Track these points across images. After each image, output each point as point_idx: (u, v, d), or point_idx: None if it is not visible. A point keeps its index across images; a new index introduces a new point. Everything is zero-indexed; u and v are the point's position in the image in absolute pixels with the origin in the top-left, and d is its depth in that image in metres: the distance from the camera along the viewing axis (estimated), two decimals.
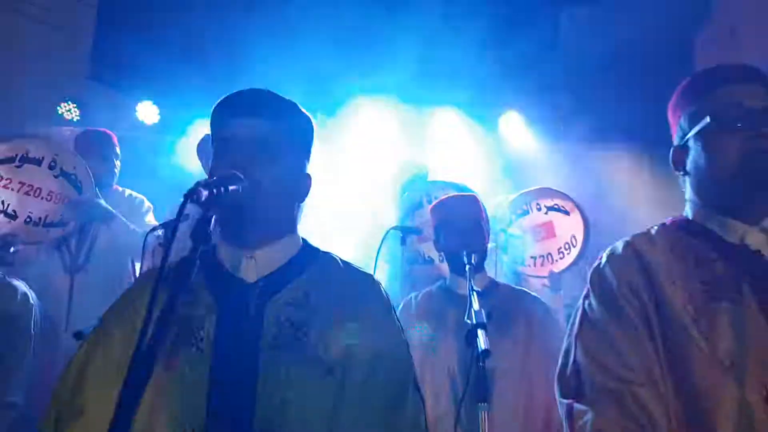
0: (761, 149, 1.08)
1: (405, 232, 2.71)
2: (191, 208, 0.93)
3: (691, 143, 1.20)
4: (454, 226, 2.10)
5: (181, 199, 0.94)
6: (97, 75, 7.62)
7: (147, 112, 5.70)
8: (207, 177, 1.10)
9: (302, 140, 1.28)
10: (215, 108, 1.22)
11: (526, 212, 3.35)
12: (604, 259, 1.20)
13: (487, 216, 2.23)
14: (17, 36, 5.96)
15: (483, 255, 2.11)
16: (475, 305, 1.55)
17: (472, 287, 1.67)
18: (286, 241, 1.25)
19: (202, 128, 5.12)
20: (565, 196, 3.23)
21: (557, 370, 1.14)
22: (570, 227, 3.16)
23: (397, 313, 1.29)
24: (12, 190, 2.69)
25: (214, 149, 1.20)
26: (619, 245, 1.21)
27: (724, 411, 1.01)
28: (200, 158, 3.02)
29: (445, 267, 2.26)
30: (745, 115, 1.11)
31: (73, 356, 1.16)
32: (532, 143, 5.16)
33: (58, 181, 2.82)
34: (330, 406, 1.08)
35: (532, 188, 3.42)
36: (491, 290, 2.08)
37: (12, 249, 2.53)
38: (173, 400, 1.05)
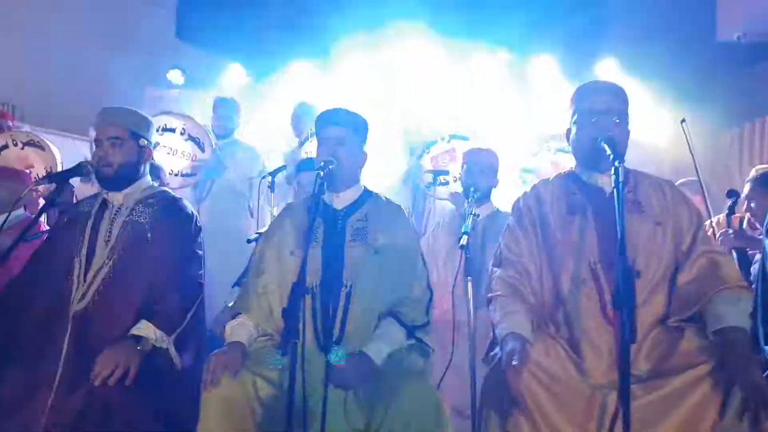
0: (600, 133, 1.95)
1: (437, 174, 3.81)
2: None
3: (571, 128, 2.12)
4: (476, 173, 3.15)
5: (319, 174, 2.02)
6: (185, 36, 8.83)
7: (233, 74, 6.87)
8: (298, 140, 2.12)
9: (362, 134, 2.30)
10: (318, 118, 2.27)
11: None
12: (521, 195, 2.20)
13: (496, 164, 3.23)
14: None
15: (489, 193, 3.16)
16: (468, 221, 2.61)
17: (470, 211, 2.74)
18: (355, 188, 2.29)
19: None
20: None
21: (494, 254, 2.20)
22: None
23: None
24: (159, 152, 3.92)
25: (318, 143, 2.26)
26: (530, 188, 2.19)
27: (566, 273, 1.95)
28: (294, 125, 4.13)
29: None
30: (594, 113, 2.01)
31: (256, 246, 2.34)
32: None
33: (187, 143, 4.02)
34: (376, 268, 2.16)
35: None
36: (493, 215, 3.14)
37: None
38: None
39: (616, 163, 1.78)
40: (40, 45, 7.91)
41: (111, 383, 1.94)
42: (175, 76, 7.08)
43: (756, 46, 5.49)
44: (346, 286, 2.15)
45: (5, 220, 2.62)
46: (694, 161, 3.41)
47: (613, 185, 1.93)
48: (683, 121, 3.49)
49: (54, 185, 2.32)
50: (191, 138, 4.01)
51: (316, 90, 6.23)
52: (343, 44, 6.21)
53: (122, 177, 2.31)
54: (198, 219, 2.42)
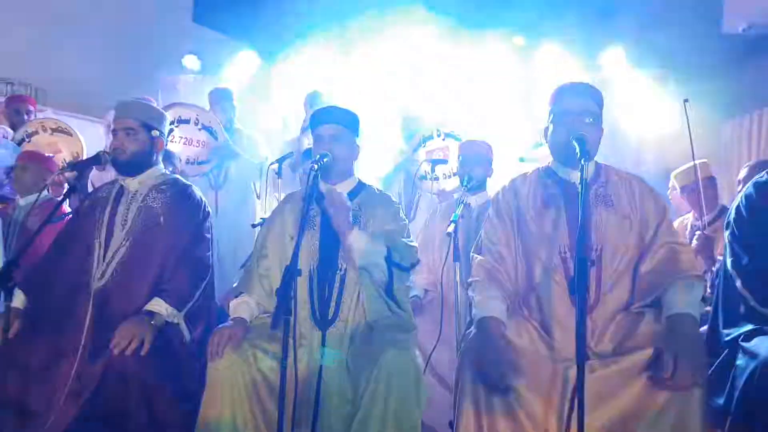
0: (573, 132, 2.08)
1: (435, 162, 3.98)
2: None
3: (548, 126, 2.26)
4: (470, 164, 3.30)
5: (313, 167, 2.21)
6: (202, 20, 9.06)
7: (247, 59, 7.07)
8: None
9: (354, 129, 2.48)
10: (313, 115, 2.46)
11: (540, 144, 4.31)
12: (500, 188, 2.36)
13: (490, 155, 3.38)
14: None
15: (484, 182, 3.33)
16: (458, 210, 2.78)
17: (462, 200, 2.91)
18: (349, 180, 2.48)
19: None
20: None
21: (475, 242, 2.37)
22: None
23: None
24: (176, 142, 4.13)
25: (314, 139, 2.45)
26: (508, 182, 2.35)
27: (539, 261, 2.12)
28: (305, 108, 4.31)
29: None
30: (569, 113, 2.15)
31: (260, 231, 2.54)
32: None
33: (201, 132, 4.23)
34: (369, 242, 2.31)
35: None
36: (487, 204, 3.30)
37: None
38: (302, 252, 2.38)
39: (582, 161, 1.95)
40: (61, 30, 8.18)
41: (128, 353, 2.16)
42: (190, 61, 7.30)
43: (760, 38, 5.56)
44: (340, 269, 2.36)
45: (36, 201, 2.86)
46: (691, 143, 3.41)
47: (585, 180, 2.13)
48: (686, 101, 3.47)
49: (75, 172, 2.54)
50: (204, 127, 4.22)
51: (328, 76, 6.45)
52: (355, 29, 6.38)
53: (136, 164, 2.51)
54: (206, 205, 2.63)
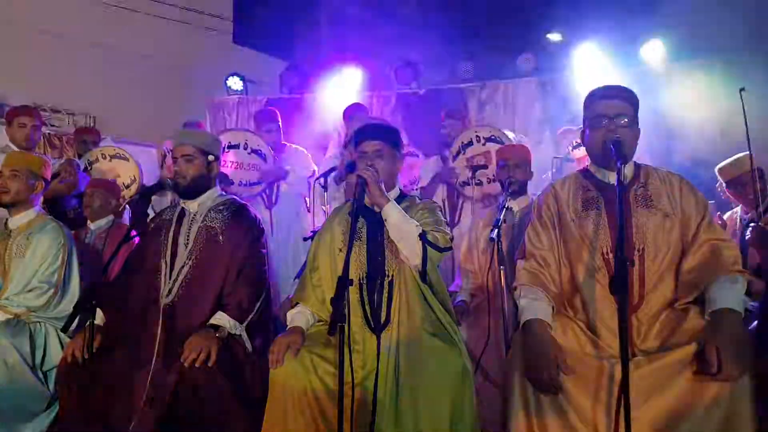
0: (609, 136, 2.16)
1: (476, 169, 4.05)
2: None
3: (585, 130, 2.32)
4: (506, 166, 3.38)
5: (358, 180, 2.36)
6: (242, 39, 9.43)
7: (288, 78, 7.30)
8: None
9: (397, 145, 2.61)
10: (357, 132, 2.61)
11: (579, 145, 4.27)
12: (541, 193, 2.44)
13: (529, 158, 3.43)
14: None
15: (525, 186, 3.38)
16: (500, 215, 2.86)
17: (504, 205, 2.97)
18: (392, 192, 2.59)
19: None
20: None
21: (519, 248, 2.44)
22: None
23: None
24: (228, 167, 4.35)
25: (359, 155, 2.57)
26: (548, 187, 2.42)
27: (582, 263, 2.18)
28: (347, 125, 4.48)
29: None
30: (604, 117, 2.21)
31: (312, 244, 2.68)
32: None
33: (250, 156, 4.44)
34: (402, 216, 2.42)
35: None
36: (529, 208, 3.37)
37: None
38: (352, 263, 2.50)
39: (619, 164, 2.02)
40: (114, 62, 8.65)
41: (198, 365, 2.33)
42: (234, 82, 7.57)
43: None
44: (388, 276, 2.48)
45: (109, 225, 3.05)
46: (747, 133, 3.31)
47: (623, 182, 2.19)
48: (742, 89, 3.34)
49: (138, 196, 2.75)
50: (253, 151, 4.43)
51: (361, 92, 6.64)
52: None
53: (195, 188, 2.70)
54: (261, 222, 2.79)
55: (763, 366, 1.94)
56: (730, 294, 1.96)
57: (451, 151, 4.45)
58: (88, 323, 2.25)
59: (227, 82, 7.54)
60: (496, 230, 2.69)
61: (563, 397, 1.99)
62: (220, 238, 2.66)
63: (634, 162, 2.35)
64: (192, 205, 2.74)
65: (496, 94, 7.03)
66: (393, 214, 2.43)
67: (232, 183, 4.28)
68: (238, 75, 7.61)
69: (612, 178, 2.29)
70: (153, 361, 2.48)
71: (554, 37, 7.57)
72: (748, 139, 3.36)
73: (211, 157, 2.71)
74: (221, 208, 2.74)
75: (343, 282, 1.98)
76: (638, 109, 2.35)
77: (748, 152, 3.59)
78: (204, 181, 2.71)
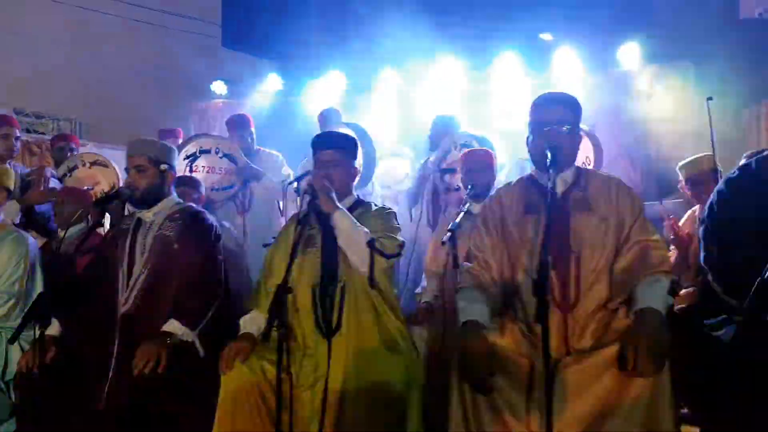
0: (550, 142, 2.20)
1: (444, 172, 4.08)
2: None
3: (529, 135, 2.35)
4: (471, 172, 3.43)
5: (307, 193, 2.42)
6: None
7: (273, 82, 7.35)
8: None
9: (353, 153, 2.68)
10: (314, 140, 2.66)
11: None
12: (486, 199, 2.51)
13: (495, 163, 3.52)
14: None
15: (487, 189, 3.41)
16: (458, 218, 2.91)
17: (465, 209, 3.03)
18: (347, 199, 2.64)
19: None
20: None
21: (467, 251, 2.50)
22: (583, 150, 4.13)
23: None
24: (199, 172, 4.40)
25: (314, 164, 2.64)
26: (495, 191, 2.50)
27: (521, 267, 2.23)
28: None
29: None
30: (545, 124, 2.26)
31: (267, 252, 2.73)
32: None
33: (222, 160, 4.48)
34: (352, 224, 2.47)
35: None
36: None
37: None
38: (306, 270, 2.57)
39: (551, 170, 2.07)
40: (100, 65, 8.70)
41: (146, 372, 2.38)
42: (218, 87, 7.59)
43: None
44: (341, 282, 2.53)
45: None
46: (712, 139, 3.51)
47: (563, 187, 2.30)
48: (710, 98, 3.56)
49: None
50: (225, 155, 4.47)
51: (346, 100, 6.67)
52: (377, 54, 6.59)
53: (148, 198, 2.74)
54: (217, 228, 2.84)
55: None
56: (651, 293, 2.02)
57: (437, 157, 4.43)
58: (39, 334, 2.28)
59: (211, 86, 7.57)
60: (450, 233, 2.75)
61: (498, 397, 2.04)
62: (175, 246, 2.71)
63: (576, 167, 2.40)
64: (147, 215, 2.78)
65: None
66: (342, 222, 2.49)
67: (204, 188, 4.31)
68: (222, 79, 7.64)
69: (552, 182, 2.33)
70: (111, 368, 2.53)
71: (546, 36, 7.59)
72: (713, 146, 3.50)
73: (163, 167, 2.74)
74: (176, 216, 2.78)
75: (282, 289, 2.03)
76: (580, 116, 2.40)
77: (709, 153, 3.66)
78: (157, 190, 2.75)
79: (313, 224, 2.60)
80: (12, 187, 3.24)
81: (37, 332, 2.41)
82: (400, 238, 2.59)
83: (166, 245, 2.71)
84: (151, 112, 8.03)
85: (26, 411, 2.53)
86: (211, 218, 2.87)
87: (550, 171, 2.09)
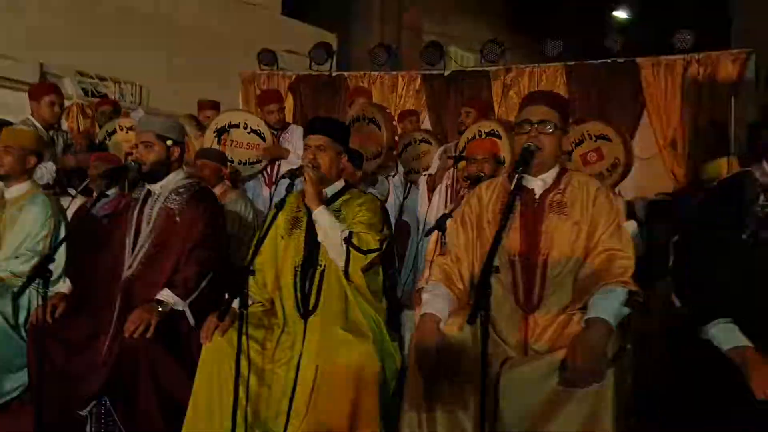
0: (528, 142, 2.21)
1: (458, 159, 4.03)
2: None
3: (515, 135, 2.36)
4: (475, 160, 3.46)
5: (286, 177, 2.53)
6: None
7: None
8: None
9: (342, 139, 2.73)
10: (306, 124, 2.76)
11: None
12: (467, 196, 2.53)
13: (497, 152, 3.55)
14: None
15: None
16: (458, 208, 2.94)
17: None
18: (336, 183, 2.73)
19: None
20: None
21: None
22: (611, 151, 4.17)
23: None
24: (228, 145, 4.58)
25: (303, 147, 2.73)
26: (476, 188, 2.49)
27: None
28: None
29: None
30: (528, 123, 2.26)
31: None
32: None
33: (250, 135, 4.65)
34: (331, 221, 2.57)
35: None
36: None
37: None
38: (290, 250, 2.68)
39: (518, 172, 2.10)
40: (163, 33, 9.04)
41: (136, 336, 2.56)
42: (267, 56, 7.71)
43: None
44: (321, 265, 2.63)
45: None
46: None
47: (541, 188, 2.33)
48: None
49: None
50: (253, 131, 4.63)
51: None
52: None
53: (156, 172, 2.90)
54: (218, 203, 2.98)
55: None
56: (604, 303, 2.02)
57: (458, 146, 4.44)
58: (43, 290, 2.50)
59: (259, 56, 7.72)
60: (435, 224, 2.80)
61: (450, 392, 2.10)
62: (177, 219, 2.86)
63: (560, 166, 2.38)
64: (154, 188, 2.95)
65: (522, 78, 7.00)
66: (321, 219, 2.59)
67: (232, 161, 4.49)
68: (268, 50, 7.78)
69: (531, 183, 2.34)
70: (111, 330, 2.73)
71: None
72: None
73: (169, 142, 2.89)
74: (182, 190, 2.93)
75: (245, 270, 2.16)
76: (567, 114, 2.38)
77: None
78: (163, 166, 2.91)
79: (301, 207, 2.70)
80: (42, 151, 3.47)
81: (41, 290, 2.61)
82: (383, 232, 2.65)
83: (169, 217, 2.87)
84: (208, 79, 8.30)
85: (34, 360, 2.76)
86: (214, 195, 3.01)
87: (518, 171, 2.10)
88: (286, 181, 2.57)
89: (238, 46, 8.97)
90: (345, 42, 11.17)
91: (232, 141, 4.60)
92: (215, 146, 4.46)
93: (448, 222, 2.85)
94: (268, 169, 4.82)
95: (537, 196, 2.31)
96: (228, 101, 6.41)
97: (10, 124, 4.09)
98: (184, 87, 8.19)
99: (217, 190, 3.76)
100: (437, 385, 2.10)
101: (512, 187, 2.07)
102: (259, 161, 4.69)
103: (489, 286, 1.84)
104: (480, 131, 4.22)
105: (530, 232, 2.26)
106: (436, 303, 2.25)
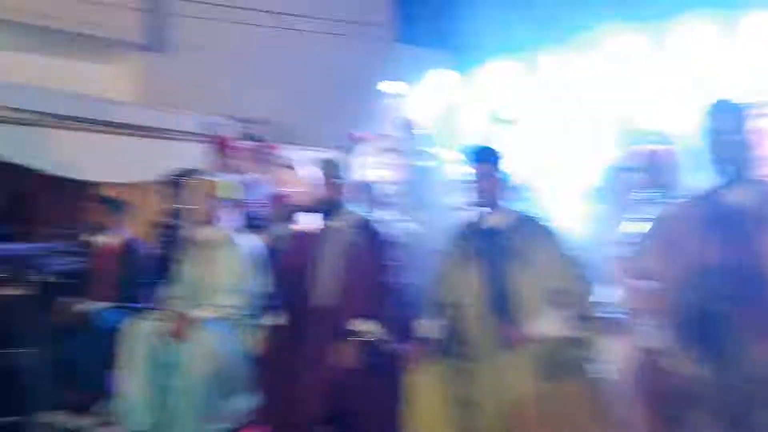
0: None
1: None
2: None
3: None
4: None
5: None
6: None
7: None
8: None
9: (498, 164, 2.77)
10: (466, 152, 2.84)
11: None
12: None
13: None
14: None
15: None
16: None
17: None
18: (503, 212, 2.74)
19: None
20: None
21: None
22: None
23: None
24: (375, 171, 4.82)
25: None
26: None
27: None
28: None
29: None
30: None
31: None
32: None
33: (395, 159, 4.90)
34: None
35: None
36: None
37: None
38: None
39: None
40: (289, 71, 9.54)
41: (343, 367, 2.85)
42: (390, 84, 7.87)
43: None
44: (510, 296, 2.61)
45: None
46: None
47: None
48: None
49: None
50: (398, 154, 4.90)
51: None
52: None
53: (327, 209, 3.21)
54: (389, 236, 3.21)
55: None
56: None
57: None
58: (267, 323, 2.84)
59: (383, 84, 7.92)
60: None
61: None
62: (354, 252, 3.10)
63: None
64: (332, 224, 3.22)
65: None
66: None
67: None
68: (397, 76, 7.96)
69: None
70: (319, 357, 2.98)
71: None
72: None
73: (337, 180, 3.19)
74: (355, 224, 3.17)
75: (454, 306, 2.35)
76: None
77: None
78: (333, 203, 3.20)
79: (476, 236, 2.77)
80: (238, 198, 3.76)
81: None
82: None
83: (350, 251, 3.11)
84: (329, 112, 8.64)
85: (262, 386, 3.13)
86: (385, 227, 3.27)
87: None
88: None
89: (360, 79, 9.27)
90: None
91: (379, 166, 4.88)
92: (363, 173, 4.70)
93: None
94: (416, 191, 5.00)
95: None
96: None
97: None
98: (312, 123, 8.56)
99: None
100: None
101: None
102: (404, 183, 4.88)
103: None
104: None
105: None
106: None
